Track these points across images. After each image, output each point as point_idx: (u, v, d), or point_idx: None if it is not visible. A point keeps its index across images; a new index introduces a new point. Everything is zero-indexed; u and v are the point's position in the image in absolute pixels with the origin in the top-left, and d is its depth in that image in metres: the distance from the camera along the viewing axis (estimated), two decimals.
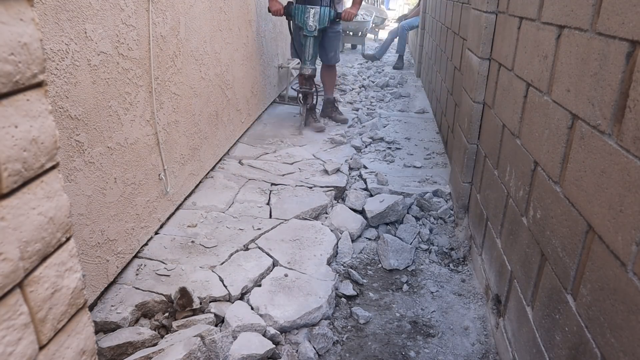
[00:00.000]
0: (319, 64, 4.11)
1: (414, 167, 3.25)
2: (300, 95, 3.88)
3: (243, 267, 2.00)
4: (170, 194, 2.34)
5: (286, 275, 1.97)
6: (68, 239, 0.82)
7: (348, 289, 2.00)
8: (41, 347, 0.77)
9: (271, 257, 2.11)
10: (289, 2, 3.67)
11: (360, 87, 5.72)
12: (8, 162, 0.67)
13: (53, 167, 0.77)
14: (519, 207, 1.53)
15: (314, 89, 3.86)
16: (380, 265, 2.22)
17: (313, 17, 3.54)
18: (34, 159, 0.72)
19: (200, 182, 2.80)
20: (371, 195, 2.76)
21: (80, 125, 1.58)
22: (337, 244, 2.27)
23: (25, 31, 0.68)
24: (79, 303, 0.86)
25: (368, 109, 4.76)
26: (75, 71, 1.53)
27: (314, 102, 3.95)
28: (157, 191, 2.20)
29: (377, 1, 12.75)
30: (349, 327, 1.82)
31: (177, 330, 1.65)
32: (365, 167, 3.21)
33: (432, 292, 2.02)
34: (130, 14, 1.83)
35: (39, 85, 0.72)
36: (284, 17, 3.83)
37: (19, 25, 0.67)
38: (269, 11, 3.76)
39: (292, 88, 4.79)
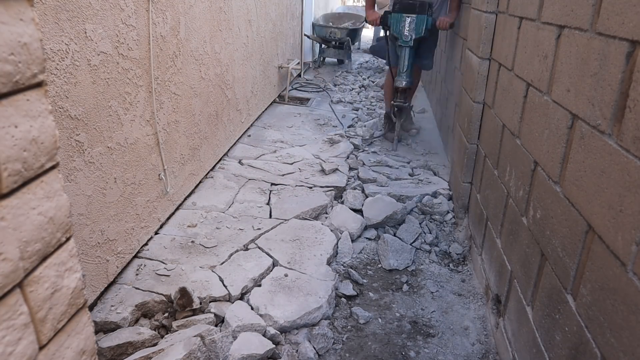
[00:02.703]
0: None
1: (413, 167, 3.25)
2: (394, 109, 3.62)
3: (243, 267, 2.00)
4: (170, 194, 2.34)
5: (286, 275, 1.97)
6: (68, 239, 0.82)
7: (348, 289, 2.00)
8: (41, 347, 0.77)
9: (271, 257, 2.11)
10: (385, 12, 3.50)
11: (360, 87, 5.72)
12: (8, 162, 0.66)
13: (53, 167, 0.77)
14: (519, 207, 1.53)
15: (409, 103, 3.67)
16: (380, 265, 2.22)
17: (409, 26, 3.35)
18: (34, 159, 0.72)
19: (200, 182, 2.80)
20: (367, 197, 2.75)
21: (80, 125, 1.58)
22: (337, 244, 2.27)
23: (25, 31, 0.68)
24: (79, 303, 0.86)
25: (368, 108, 4.76)
26: (75, 71, 1.53)
27: (412, 117, 3.75)
28: (157, 191, 2.20)
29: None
30: (349, 327, 1.82)
31: (177, 330, 1.65)
32: (365, 165, 3.20)
33: (432, 292, 2.02)
34: (130, 14, 1.83)
35: (39, 85, 0.72)
36: (282, 18, 3.72)
37: (19, 25, 0.67)
38: (366, 21, 3.65)
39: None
